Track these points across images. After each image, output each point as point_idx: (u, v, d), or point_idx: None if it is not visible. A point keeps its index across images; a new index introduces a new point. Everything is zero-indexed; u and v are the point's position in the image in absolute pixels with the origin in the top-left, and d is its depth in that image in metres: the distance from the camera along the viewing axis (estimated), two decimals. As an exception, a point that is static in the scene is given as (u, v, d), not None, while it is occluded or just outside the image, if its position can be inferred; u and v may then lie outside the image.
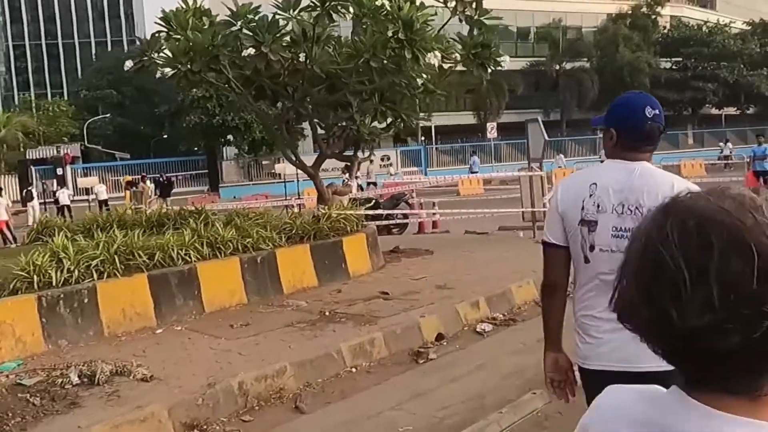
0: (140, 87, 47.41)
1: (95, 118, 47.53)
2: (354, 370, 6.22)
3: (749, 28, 54.42)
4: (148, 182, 26.52)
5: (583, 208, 2.42)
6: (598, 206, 2.39)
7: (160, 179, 26.84)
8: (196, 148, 41.20)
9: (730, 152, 37.18)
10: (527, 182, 12.12)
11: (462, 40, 8.98)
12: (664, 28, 51.20)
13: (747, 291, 0.77)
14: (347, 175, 10.68)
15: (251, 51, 7.36)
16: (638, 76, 44.56)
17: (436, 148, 42.67)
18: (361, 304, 7.88)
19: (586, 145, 42.18)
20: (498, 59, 8.91)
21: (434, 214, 15.54)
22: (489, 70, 9.02)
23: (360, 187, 18.39)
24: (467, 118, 44.77)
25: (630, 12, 49.56)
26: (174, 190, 31.17)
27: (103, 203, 24.62)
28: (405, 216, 15.47)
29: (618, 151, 2.43)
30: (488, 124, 36.94)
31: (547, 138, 11.50)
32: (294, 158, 9.79)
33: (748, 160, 22.00)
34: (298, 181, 21.85)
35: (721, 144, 44.51)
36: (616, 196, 2.37)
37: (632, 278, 0.86)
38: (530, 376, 5.56)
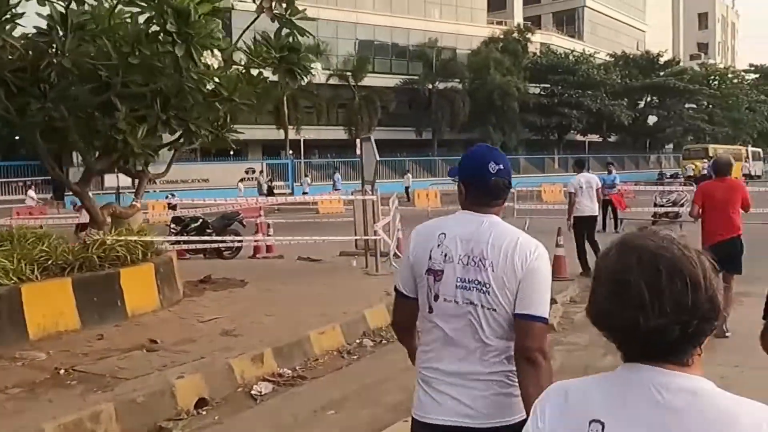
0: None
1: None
2: (58, 459, 4.68)
3: (612, 59, 57.23)
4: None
5: (430, 258, 2.40)
6: (446, 256, 2.38)
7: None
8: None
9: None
10: (360, 206, 10.97)
11: (267, 41, 7.67)
12: (534, 54, 52.65)
13: (685, 302, 1.20)
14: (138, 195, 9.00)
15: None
16: (508, 99, 45.37)
17: (305, 162, 41.28)
18: (114, 358, 6.31)
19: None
20: (308, 66, 7.68)
21: (268, 236, 14.10)
22: (298, 79, 7.76)
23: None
24: (339, 132, 43.79)
25: (502, 36, 50.57)
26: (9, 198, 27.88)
27: None
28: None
29: (468, 204, 2.45)
30: (358, 140, 35.98)
31: (378, 158, 10.40)
32: (56, 170, 8.08)
33: (598, 188, 21.91)
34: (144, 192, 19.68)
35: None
36: (462, 246, 2.36)
37: (606, 295, 1.26)
38: (279, 470, 4.26)
